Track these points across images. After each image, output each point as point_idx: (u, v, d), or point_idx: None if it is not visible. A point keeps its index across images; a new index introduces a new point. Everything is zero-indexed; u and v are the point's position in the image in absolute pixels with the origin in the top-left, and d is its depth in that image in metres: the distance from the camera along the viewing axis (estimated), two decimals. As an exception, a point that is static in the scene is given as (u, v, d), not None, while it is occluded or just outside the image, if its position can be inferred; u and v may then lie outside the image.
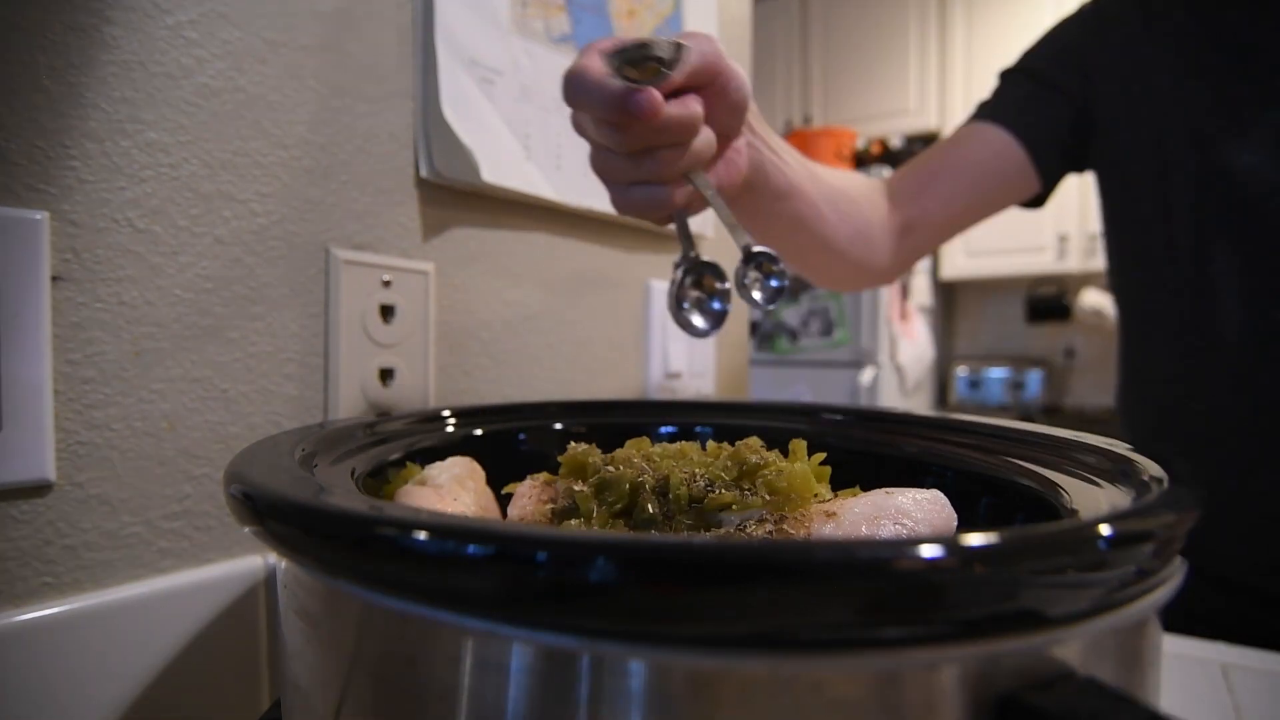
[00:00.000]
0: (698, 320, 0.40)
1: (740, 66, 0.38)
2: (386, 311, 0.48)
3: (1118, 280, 0.74)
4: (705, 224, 0.77)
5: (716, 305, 0.40)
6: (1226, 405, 0.63)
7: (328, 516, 0.19)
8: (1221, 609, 0.63)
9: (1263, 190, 0.59)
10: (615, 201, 0.40)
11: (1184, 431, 0.67)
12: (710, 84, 0.37)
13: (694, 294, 0.40)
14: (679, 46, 0.34)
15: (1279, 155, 0.59)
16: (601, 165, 0.39)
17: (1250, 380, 0.61)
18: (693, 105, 0.35)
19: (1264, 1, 0.61)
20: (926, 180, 0.68)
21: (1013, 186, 0.69)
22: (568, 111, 0.38)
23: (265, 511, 0.21)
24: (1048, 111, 0.68)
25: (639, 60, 0.34)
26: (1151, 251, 0.67)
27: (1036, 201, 0.72)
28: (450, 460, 0.35)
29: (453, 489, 0.32)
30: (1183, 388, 0.66)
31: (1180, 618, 0.57)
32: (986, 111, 0.70)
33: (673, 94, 0.35)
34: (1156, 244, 0.67)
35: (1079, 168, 0.72)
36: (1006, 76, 0.72)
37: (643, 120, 0.33)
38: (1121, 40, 0.67)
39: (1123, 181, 0.70)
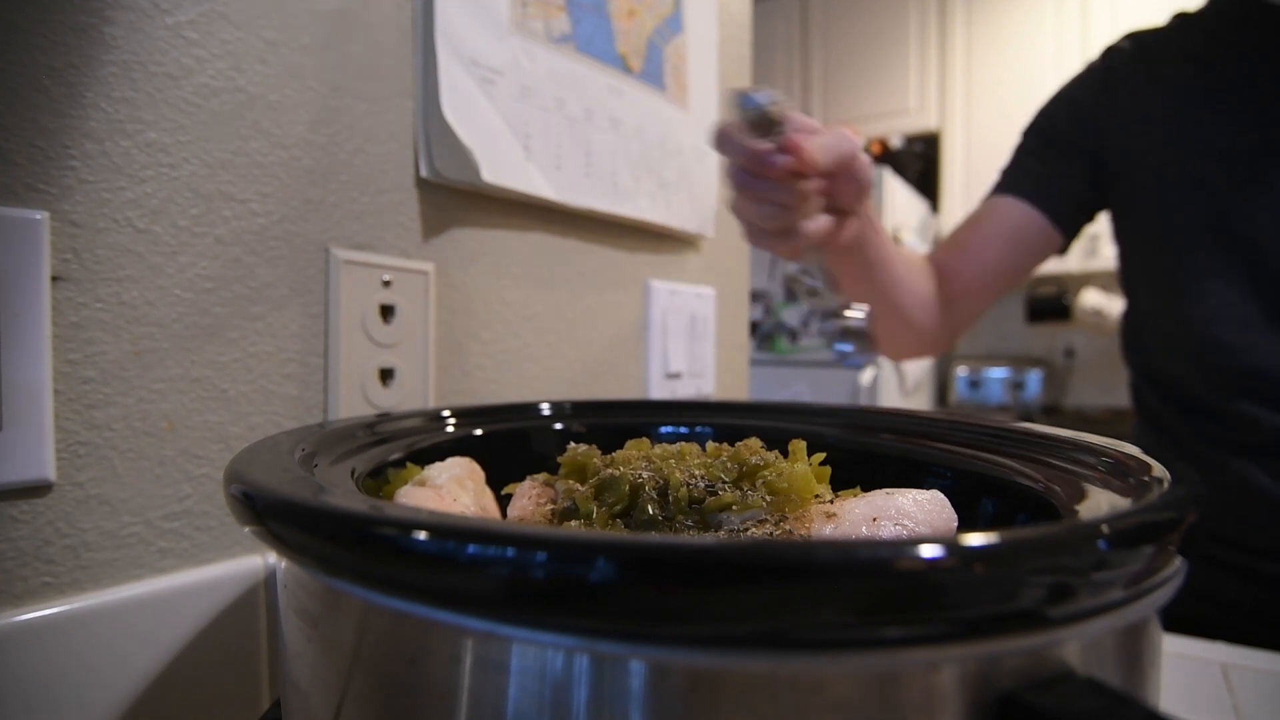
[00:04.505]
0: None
1: (868, 160, 0.48)
2: (386, 311, 0.48)
3: (1129, 291, 0.77)
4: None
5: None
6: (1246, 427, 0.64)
7: (328, 516, 0.19)
8: (1228, 603, 0.64)
9: (1264, 238, 0.62)
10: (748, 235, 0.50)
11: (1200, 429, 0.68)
12: (845, 170, 0.46)
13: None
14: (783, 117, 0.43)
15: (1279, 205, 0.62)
16: (740, 210, 0.48)
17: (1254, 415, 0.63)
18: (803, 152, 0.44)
19: (1261, 55, 0.63)
20: (960, 255, 0.74)
21: (1039, 250, 0.74)
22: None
23: (265, 511, 0.21)
24: (1066, 174, 0.73)
25: (759, 121, 0.42)
26: (1160, 286, 0.71)
27: (1061, 251, 0.76)
28: (450, 460, 0.35)
29: (452, 489, 0.32)
30: (1197, 395, 0.68)
31: (1181, 619, 0.57)
32: (1008, 184, 0.74)
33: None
34: (1163, 281, 0.70)
35: (1095, 214, 0.76)
36: (1025, 140, 0.76)
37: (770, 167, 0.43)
38: (1128, 93, 0.70)
39: (1131, 223, 0.73)
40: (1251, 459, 0.63)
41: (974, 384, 2.78)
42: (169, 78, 0.38)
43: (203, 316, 0.40)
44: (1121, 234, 0.75)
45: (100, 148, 0.36)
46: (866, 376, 2.17)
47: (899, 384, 2.30)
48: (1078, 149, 0.72)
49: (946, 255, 0.74)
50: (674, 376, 0.75)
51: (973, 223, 0.75)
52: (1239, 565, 0.64)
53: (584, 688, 0.16)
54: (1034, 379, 2.70)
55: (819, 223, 0.47)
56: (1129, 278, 0.76)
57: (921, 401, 2.61)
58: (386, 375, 0.49)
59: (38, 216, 0.33)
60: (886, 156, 2.57)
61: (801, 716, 0.16)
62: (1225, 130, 0.64)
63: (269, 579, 0.41)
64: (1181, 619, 0.60)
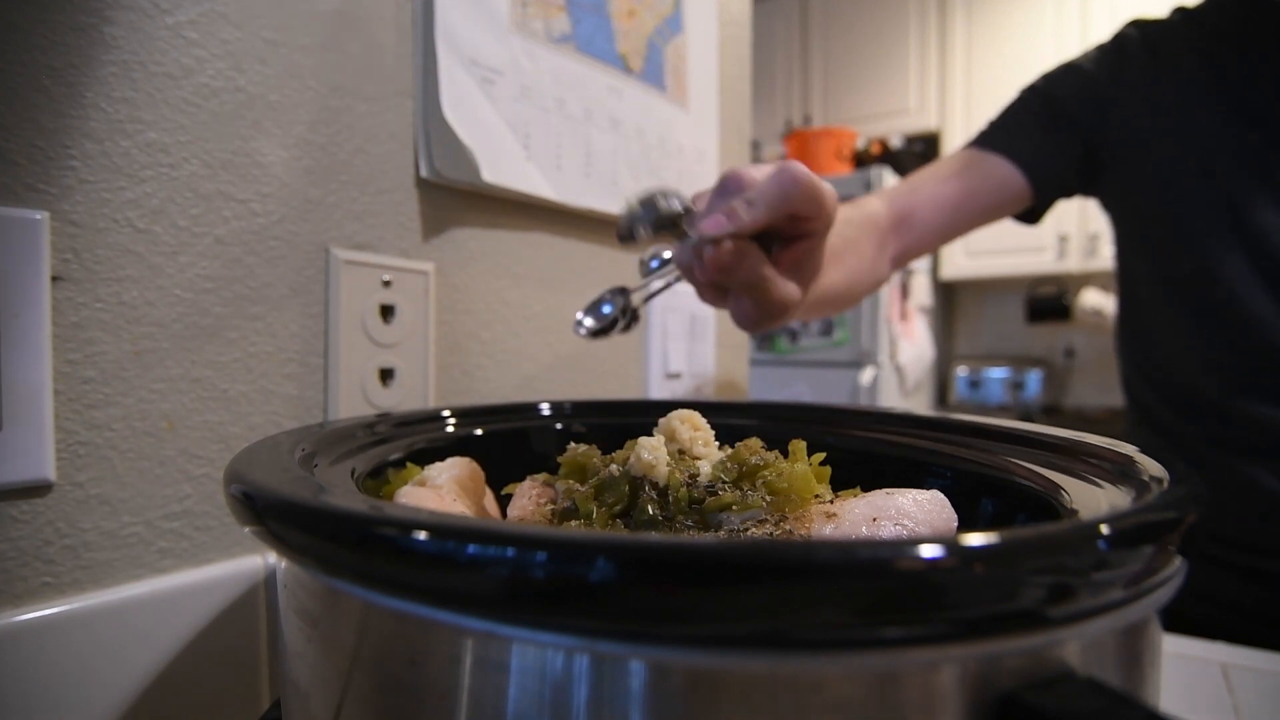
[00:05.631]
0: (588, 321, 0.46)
1: (828, 185, 0.39)
2: (386, 311, 0.48)
3: (1127, 285, 0.77)
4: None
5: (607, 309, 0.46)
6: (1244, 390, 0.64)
7: (328, 516, 0.19)
8: (1228, 603, 0.64)
9: (1274, 233, 0.62)
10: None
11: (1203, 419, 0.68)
12: (796, 209, 0.38)
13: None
14: (686, 210, 0.39)
15: None
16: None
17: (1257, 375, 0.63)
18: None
19: (1262, 53, 0.64)
20: (933, 208, 0.69)
21: (1004, 214, 0.73)
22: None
23: (265, 511, 0.21)
24: (1060, 146, 0.71)
25: (662, 226, 0.38)
26: (1165, 276, 0.70)
27: (1027, 217, 0.76)
28: (450, 460, 0.35)
29: (452, 489, 0.32)
30: (1200, 393, 0.68)
31: (1181, 619, 0.57)
32: (1004, 144, 0.71)
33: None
34: (1169, 271, 0.70)
35: (1072, 195, 0.75)
36: (1026, 99, 0.73)
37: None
38: (1136, 78, 0.70)
39: (1134, 211, 0.73)
40: (1258, 458, 0.63)
41: (974, 384, 2.78)
42: (169, 78, 0.38)
43: (203, 316, 0.40)
44: (1123, 223, 0.75)
45: (100, 148, 0.36)
46: (866, 376, 2.17)
47: (899, 384, 2.30)
48: (1077, 125, 0.71)
49: (916, 202, 0.69)
50: (674, 376, 0.75)
51: (962, 175, 0.71)
52: (1240, 565, 0.64)
53: (584, 688, 0.16)
54: (1034, 379, 2.70)
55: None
56: (1127, 269, 0.75)
57: (921, 401, 2.61)
58: (386, 375, 0.49)
59: (38, 216, 0.33)
60: (886, 156, 2.56)
61: (801, 716, 0.16)
62: (1227, 128, 0.64)
63: (269, 579, 0.41)
64: (1181, 619, 0.60)
